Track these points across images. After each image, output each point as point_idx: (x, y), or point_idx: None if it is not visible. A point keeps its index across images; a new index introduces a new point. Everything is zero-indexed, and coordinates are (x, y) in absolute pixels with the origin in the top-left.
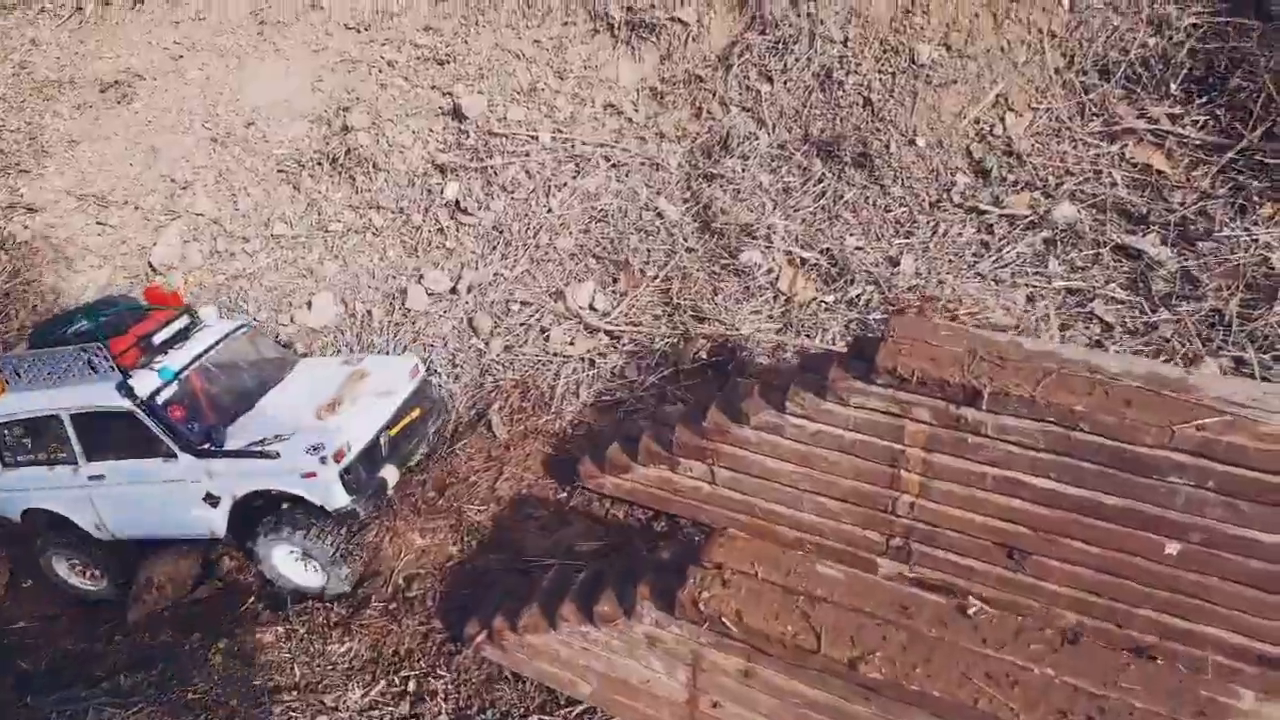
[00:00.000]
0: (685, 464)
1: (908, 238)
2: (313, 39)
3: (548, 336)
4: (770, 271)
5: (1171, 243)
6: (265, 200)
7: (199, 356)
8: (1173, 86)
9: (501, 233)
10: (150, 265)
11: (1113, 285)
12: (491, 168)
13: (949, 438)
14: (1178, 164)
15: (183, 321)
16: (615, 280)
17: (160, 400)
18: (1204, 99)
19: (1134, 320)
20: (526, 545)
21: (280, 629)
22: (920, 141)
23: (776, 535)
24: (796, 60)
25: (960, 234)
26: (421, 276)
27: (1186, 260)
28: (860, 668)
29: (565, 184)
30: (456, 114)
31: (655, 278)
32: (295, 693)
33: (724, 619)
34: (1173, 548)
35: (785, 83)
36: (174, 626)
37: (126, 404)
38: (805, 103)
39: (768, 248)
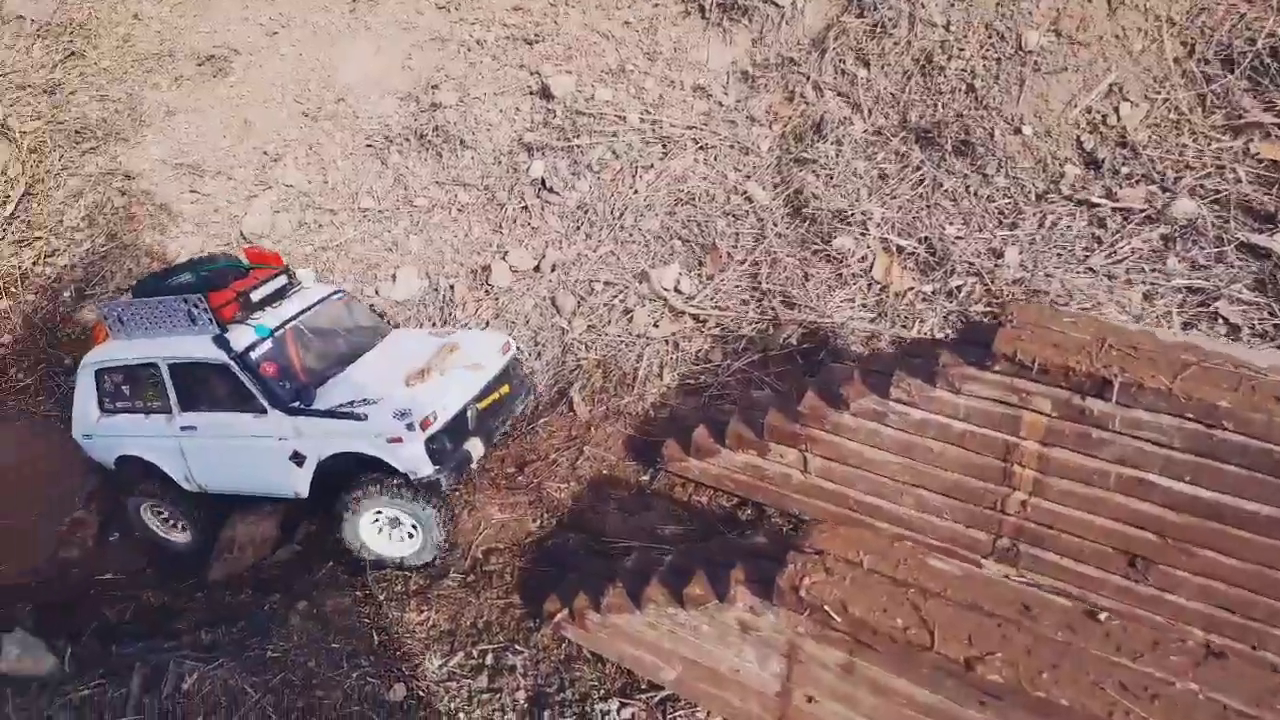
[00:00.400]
0: (776, 450)
1: (1012, 229)
2: (403, 18)
3: (631, 317)
4: (864, 259)
5: None
6: (353, 174)
7: (295, 316)
8: None
9: (586, 212)
10: (241, 234)
11: (1238, 285)
12: (578, 147)
13: (1071, 431)
14: None
15: (281, 281)
16: (701, 263)
17: (254, 356)
18: None
19: (1263, 322)
20: (607, 526)
21: (359, 594)
22: (1027, 130)
23: (872, 530)
24: (895, 44)
25: (1070, 227)
26: (506, 254)
27: None
28: (978, 669)
29: (652, 166)
30: (544, 93)
31: (743, 262)
32: (372, 658)
33: (826, 608)
34: None
35: (883, 67)
36: (254, 586)
37: (222, 357)
38: (904, 88)
39: (862, 234)
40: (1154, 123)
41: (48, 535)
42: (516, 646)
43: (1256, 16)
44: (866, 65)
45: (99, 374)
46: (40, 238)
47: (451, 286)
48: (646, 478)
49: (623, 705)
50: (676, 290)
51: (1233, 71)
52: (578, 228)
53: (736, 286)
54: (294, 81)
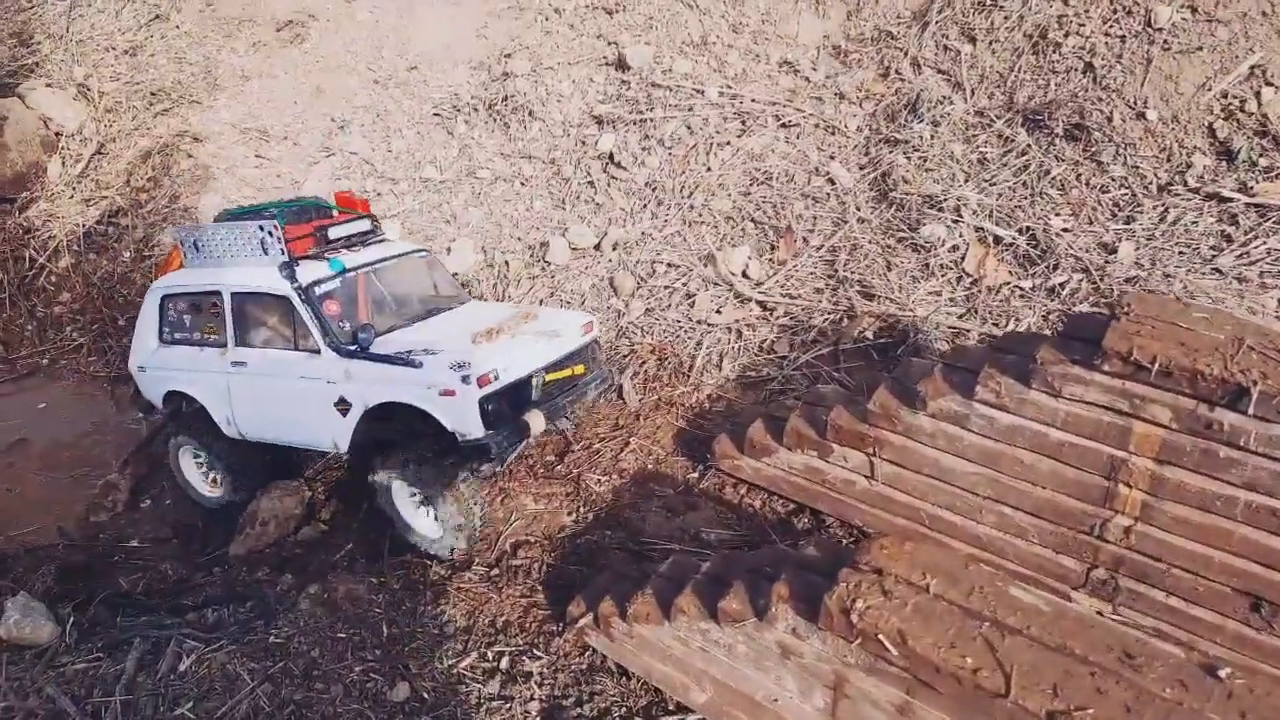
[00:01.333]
0: (840, 452)
1: (1128, 223)
2: None
3: (693, 302)
4: (955, 249)
5: None
6: (418, 143)
7: (370, 264)
8: None
9: (654, 190)
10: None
11: None
12: (651, 121)
13: (1193, 448)
14: None
15: (364, 225)
16: (773, 248)
17: (318, 291)
18: None
19: None
20: (647, 526)
21: (374, 581)
22: (1151, 115)
23: (944, 549)
24: (1006, 18)
25: (1195, 222)
26: (566, 230)
27: None
28: None
29: (728, 143)
30: (620, 64)
31: (819, 247)
32: (379, 651)
33: (882, 637)
34: None
35: (990, 43)
36: (271, 565)
37: (285, 287)
38: (1013, 66)
39: (955, 222)
40: None
41: (81, 497)
42: (535, 651)
43: None
44: (972, 41)
45: (164, 301)
46: (106, 197)
47: (507, 262)
48: (695, 475)
49: None
50: (744, 275)
51: None
52: (644, 206)
53: (810, 274)
54: (368, 48)
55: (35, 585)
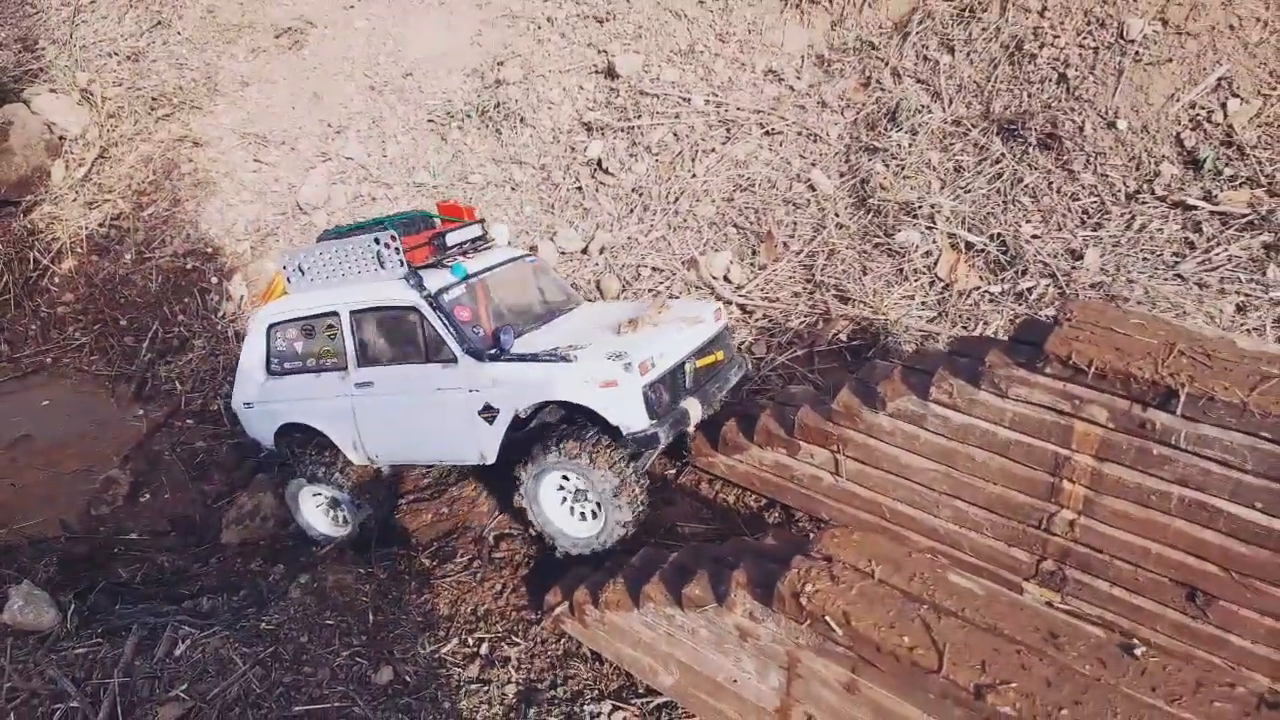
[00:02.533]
0: (806, 449)
1: (1096, 230)
2: None
3: None
4: (929, 254)
5: None
6: (413, 149)
7: (491, 267)
8: None
9: (641, 195)
10: (297, 204)
11: None
12: (638, 128)
13: (1129, 446)
14: None
15: (476, 231)
16: (754, 252)
17: (448, 298)
18: None
19: None
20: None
21: (361, 571)
22: (1121, 125)
23: (905, 541)
24: (984, 30)
25: (1160, 230)
26: (555, 234)
27: None
28: (989, 698)
29: (713, 149)
30: (609, 72)
31: (799, 252)
32: (364, 637)
33: (828, 619)
34: None
35: (969, 54)
36: (264, 556)
37: (413, 297)
38: (989, 76)
39: (929, 228)
40: (1266, 121)
41: (82, 492)
42: (514, 638)
43: None
44: (951, 51)
45: (271, 329)
46: (109, 200)
47: None
48: (672, 472)
49: (615, 709)
50: (725, 279)
51: None
52: (630, 210)
53: (790, 278)
54: (365, 55)
55: (38, 574)
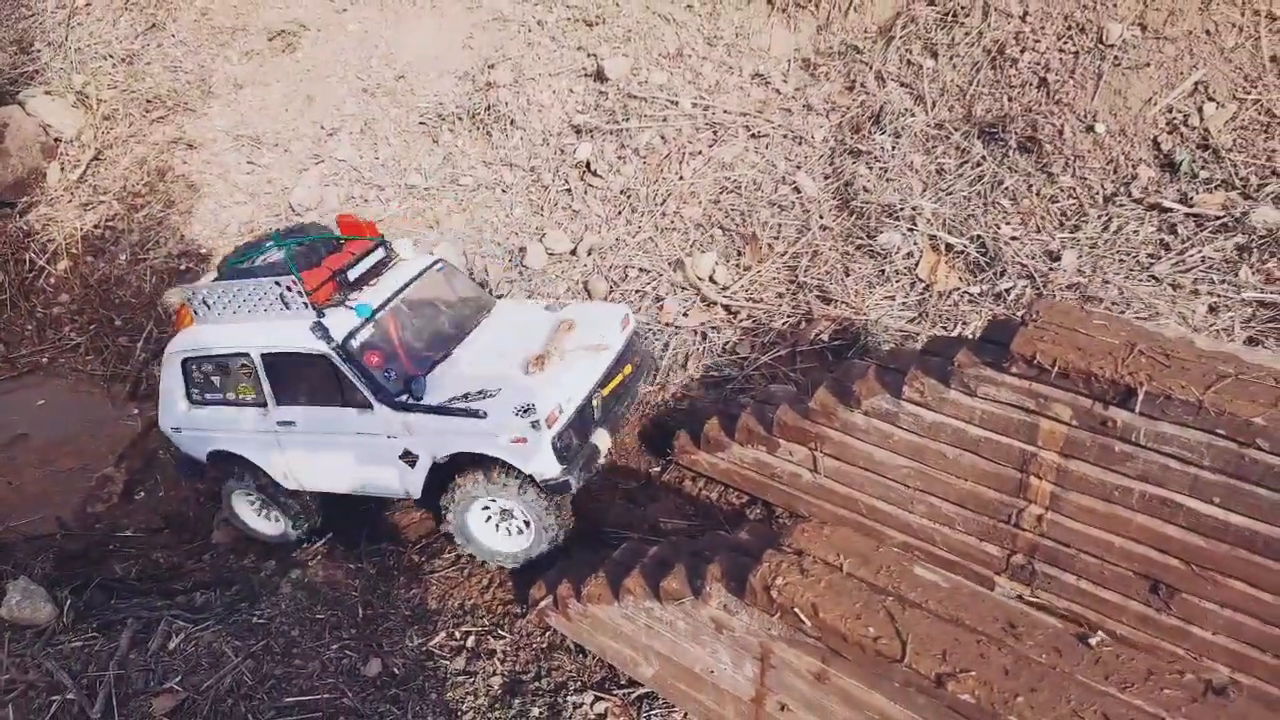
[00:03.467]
0: (786, 447)
1: (1074, 232)
2: None
3: (661, 305)
4: (910, 255)
5: None
6: (404, 151)
7: (396, 294)
8: None
9: (629, 197)
10: (290, 205)
11: None
12: (627, 131)
13: (1092, 443)
14: None
15: (378, 255)
16: (740, 254)
17: (355, 344)
18: None
19: None
20: (609, 516)
21: (351, 567)
22: (1100, 128)
23: (881, 537)
24: (966, 34)
25: (1137, 232)
26: (544, 235)
27: None
28: (949, 686)
29: (700, 152)
30: (599, 76)
31: (783, 254)
32: (355, 631)
33: (797, 610)
34: None
35: (951, 58)
36: (257, 553)
37: (320, 346)
38: (971, 80)
39: (910, 230)
40: (1241, 125)
41: (78, 490)
42: (499, 631)
43: None
44: (934, 55)
45: (185, 364)
46: (104, 201)
47: (486, 267)
48: (657, 469)
49: (597, 699)
50: (711, 280)
51: None
52: (619, 212)
53: (774, 279)
54: (357, 58)
55: (35, 571)
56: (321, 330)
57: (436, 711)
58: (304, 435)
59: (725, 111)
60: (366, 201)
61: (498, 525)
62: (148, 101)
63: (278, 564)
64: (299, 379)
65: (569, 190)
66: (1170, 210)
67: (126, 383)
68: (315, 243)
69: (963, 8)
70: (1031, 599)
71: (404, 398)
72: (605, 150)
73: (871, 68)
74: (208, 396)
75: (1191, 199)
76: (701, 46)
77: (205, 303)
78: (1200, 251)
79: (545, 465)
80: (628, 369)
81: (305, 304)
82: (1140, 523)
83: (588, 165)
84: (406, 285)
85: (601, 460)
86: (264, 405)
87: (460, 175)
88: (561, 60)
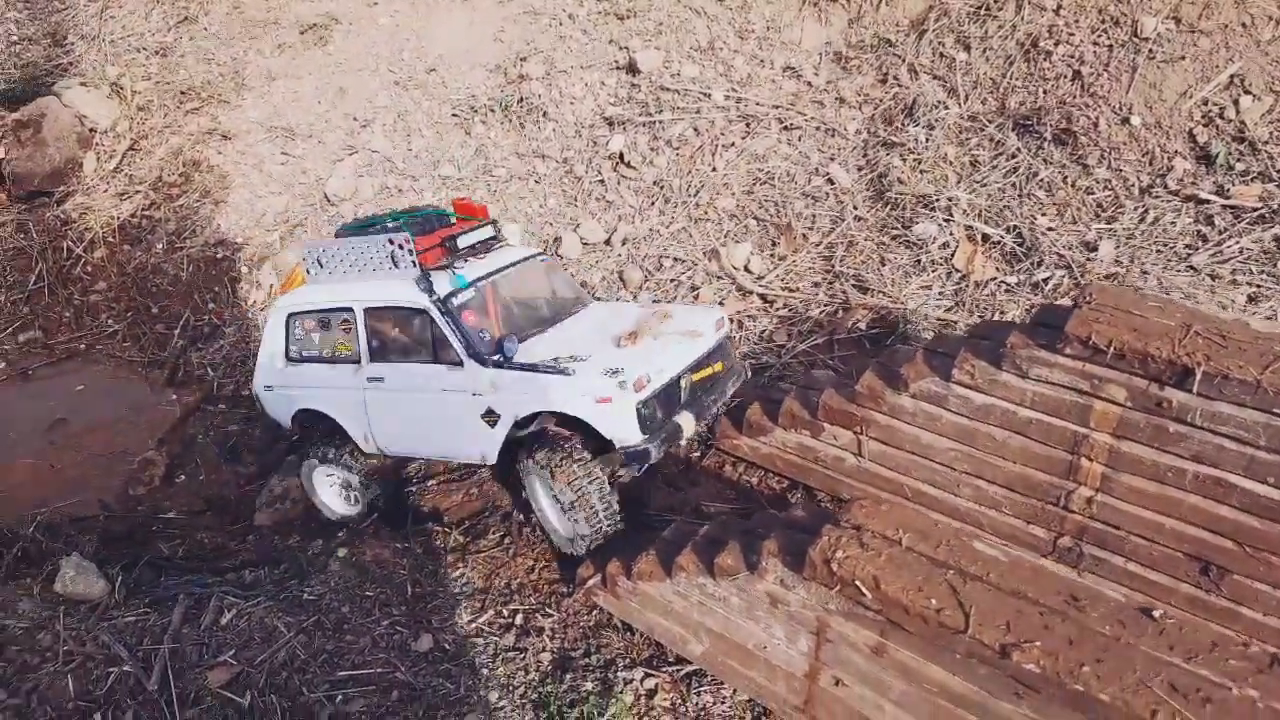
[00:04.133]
0: (830, 431)
1: (1110, 223)
2: None
3: (697, 295)
4: (946, 246)
5: None
6: (437, 142)
7: (499, 270)
8: None
9: (662, 188)
10: (325, 196)
11: None
12: (659, 123)
13: (1146, 424)
14: None
15: (487, 232)
16: (774, 244)
17: (456, 302)
18: None
19: None
20: (651, 499)
21: (399, 546)
22: (1135, 121)
23: (917, 510)
24: (1000, 27)
25: (1174, 223)
26: (578, 225)
27: None
28: (1014, 656)
29: (733, 144)
30: (631, 68)
31: (818, 244)
32: (404, 608)
33: (858, 583)
34: None
35: (984, 51)
36: (301, 534)
37: (423, 301)
38: (1005, 73)
39: (946, 221)
40: (1277, 118)
41: (118, 473)
42: (547, 610)
43: None
44: (967, 48)
45: (290, 319)
46: (140, 191)
47: None
48: (697, 454)
49: (647, 675)
50: (746, 269)
51: None
52: (652, 203)
53: (809, 269)
54: (389, 51)
55: (84, 549)
56: (426, 284)
57: (489, 685)
58: (391, 393)
59: (757, 104)
60: (401, 192)
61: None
62: (181, 93)
63: (324, 543)
64: (396, 335)
65: (602, 181)
66: (1207, 202)
67: (164, 369)
68: (430, 216)
69: (995, 1)
70: (1079, 581)
71: (496, 357)
72: (638, 142)
73: (904, 60)
74: (305, 354)
75: (1228, 191)
76: (733, 39)
77: (319, 261)
78: (1238, 242)
79: (627, 430)
80: (719, 365)
81: (414, 263)
82: (1193, 503)
83: (621, 157)
84: (510, 265)
85: (683, 442)
86: (357, 362)
87: (493, 166)
88: (593, 53)
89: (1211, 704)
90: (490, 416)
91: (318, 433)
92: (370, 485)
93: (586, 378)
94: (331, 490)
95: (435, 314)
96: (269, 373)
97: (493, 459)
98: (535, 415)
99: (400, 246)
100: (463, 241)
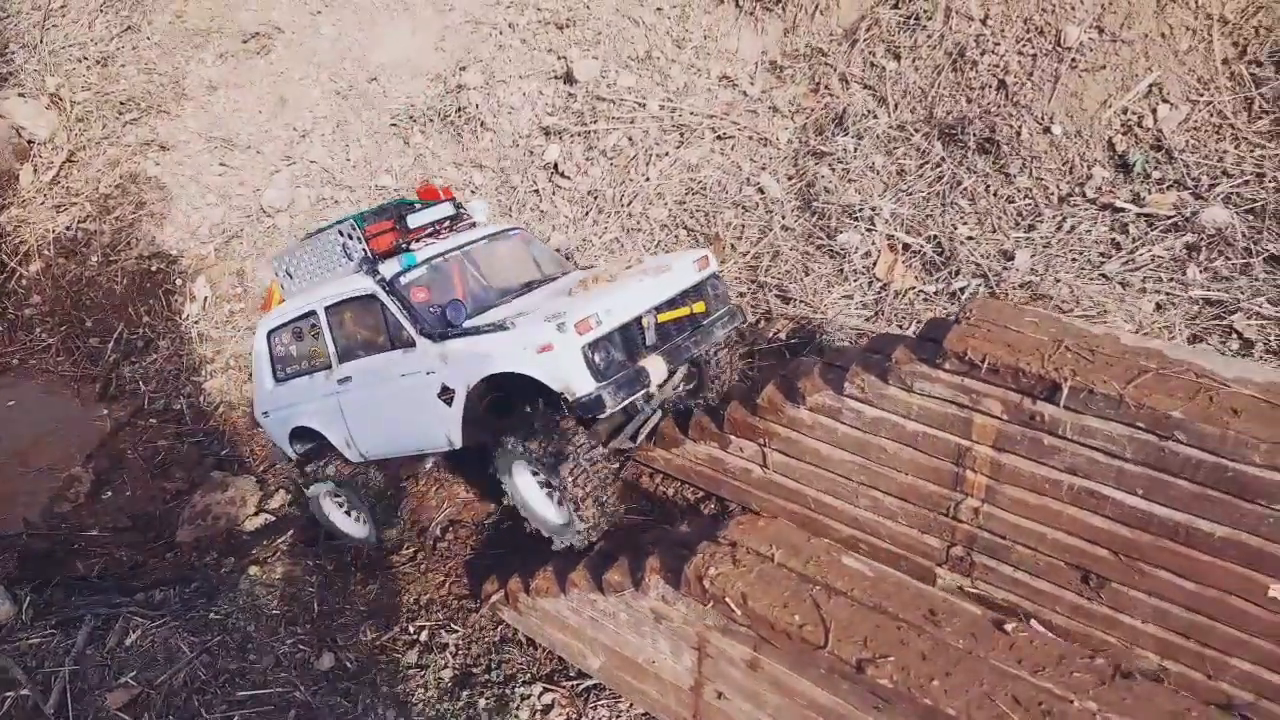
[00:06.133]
0: (737, 443)
1: (1028, 231)
2: (441, 0)
3: None
4: (868, 255)
5: None
6: (375, 153)
7: (464, 245)
8: None
9: (596, 198)
10: (261, 207)
11: (1261, 299)
12: (595, 133)
13: (1022, 437)
14: None
15: (444, 210)
16: None
17: (404, 281)
18: None
19: None
20: None
21: (310, 563)
22: (1056, 130)
23: (829, 530)
24: (929, 37)
25: (1089, 231)
26: None
27: None
28: (868, 671)
29: (667, 154)
30: (568, 78)
31: (745, 254)
32: (309, 626)
33: (728, 600)
34: (1278, 590)
35: (914, 61)
36: (220, 551)
37: (369, 285)
38: (933, 82)
39: (869, 230)
40: (1194, 126)
41: (46, 489)
42: (453, 625)
43: None
44: (897, 58)
45: (270, 336)
46: (76, 203)
47: None
48: (616, 466)
49: (545, 690)
50: None
51: None
52: (586, 213)
53: (735, 279)
54: (331, 60)
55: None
56: (371, 268)
57: (387, 704)
58: (359, 392)
59: (692, 113)
60: (337, 203)
61: (553, 497)
62: (121, 104)
63: (236, 561)
64: (355, 329)
65: (537, 191)
66: (1122, 210)
67: (97, 383)
68: (389, 206)
69: (925, 11)
70: (972, 590)
71: (441, 331)
72: (573, 152)
73: (836, 70)
74: (289, 370)
75: (1144, 199)
76: (670, 49)
77: (288, 272)
78: (1150, 250)
79: (574, 378)
80: (698, 305)
81: (364, 249)
82: (1070, 514)
83: (556, 167)
84: (477, 240)
85: (651, 389)
86: (329, 367)
87: (431, 176)
88: (532, 62)
89: (1052, 717)
90: (446, 394)
91: (310, 450)
92: (372, 501)
93: (527, 329)
94: (340, 512)
95: (382, 295)
96: (262, 398)
97: (458, 440)
98: (499, 394)
99: (350, 236)
100: (414, 221)
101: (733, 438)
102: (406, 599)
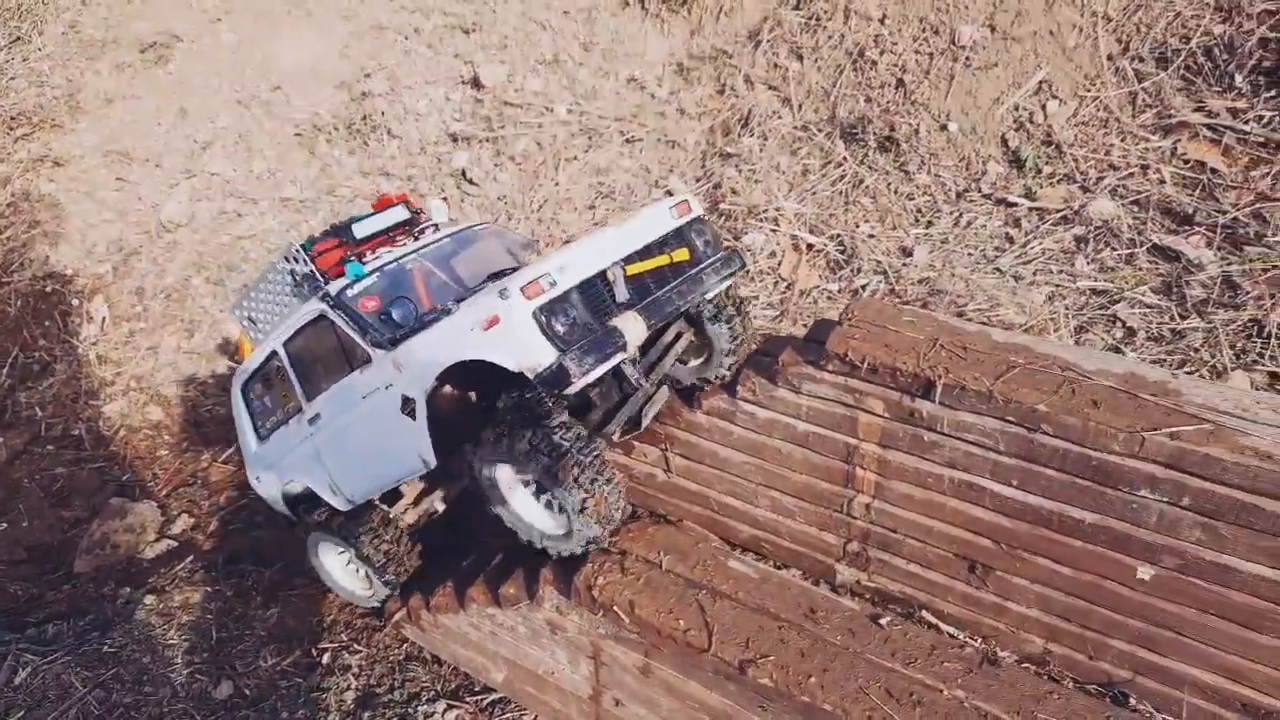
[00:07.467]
0: (640, 449)
1: (927, 227)
2: (345, 6)
3: None
4: (773, 255)
5: (1216, 246)
6: (279, 163)
7: (422, 248)
8: (1238, 78)
9: (505, 204)
10: (160, 222)
11: (1144, 288)
12: (503, 138)
13: (904, 434)
14: (1235, 162)
15: (395, 215)
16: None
17: (351, 294)
18: (1273, 93)
19: (1160, 326)
20: (486, 525)
21: (209, 590)
22: (953, 127)
23: (733, 531)
24: (829, 37)
25: (984, 226)
26: None
27: (1230, 265)
28: (750, 671)
29: (576, 158)
30: (475, 83)
31: None
32: (207, 654)
33: (616, 608)
34: (1145, 572)
35: (816, 61)
36: (118, 580)
37: (318, 306)
38: (835, 82)
39: (773, 231)
40: (1081, 121)
41: None
42: (356, 646)
43: (1194, 14)
44: (800, 59)
45: (245, 392)
46: None
47: None
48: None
49: (449, 707)
50: None
51: (1166, 69)
52: (495, 220)
53: None
54: (232, 69)
55: None
56: (314, 286)
57: None
58: (329, 429)
59: (600, 116)
60: (240, 216)
61: (544, 501)
62: (11, 119)
63: (133, 591)
64: (315, 358)
65: (446, 199)
66: (1015, 204)
67: None
68: (341, 224)
69: (825, 11)
70: (870, 584)
71: (393, 334)
72: (482, 158)
73: (741, 71)
74: (269, 424)
75: (1035, 193)
76: (578, 52)
77: (251, 319)
78: (1041, 244)
79: (532, 350)
80: (680, 253)
81: (311, 271)
82: (953, 506)
83: (464, 173)
84: (438, 241)
85: (630, 350)
86: (300, 410)
87: (337, 186)
88: (438, 68)
89: (921, 706)
90: (407, 407)
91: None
92: (381, 560)
93: (469, 308)
94: (348, 569)
95: (330, 314)
96: (252, 462)
97: (432, 459)
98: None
99: (293, 259)
100: (360, 231)
101: (636, 443)
102: (310, 621)
